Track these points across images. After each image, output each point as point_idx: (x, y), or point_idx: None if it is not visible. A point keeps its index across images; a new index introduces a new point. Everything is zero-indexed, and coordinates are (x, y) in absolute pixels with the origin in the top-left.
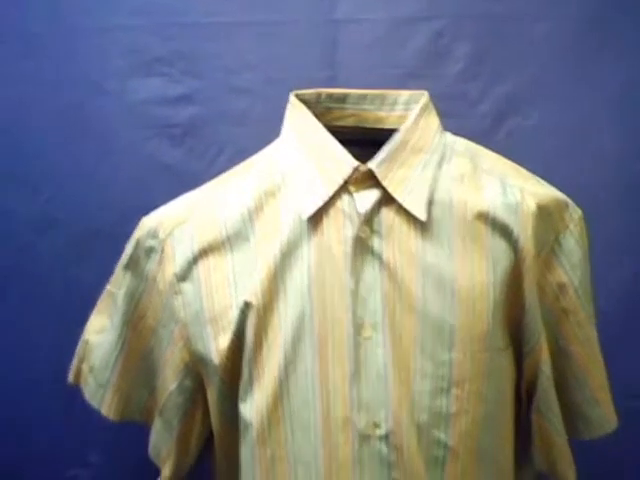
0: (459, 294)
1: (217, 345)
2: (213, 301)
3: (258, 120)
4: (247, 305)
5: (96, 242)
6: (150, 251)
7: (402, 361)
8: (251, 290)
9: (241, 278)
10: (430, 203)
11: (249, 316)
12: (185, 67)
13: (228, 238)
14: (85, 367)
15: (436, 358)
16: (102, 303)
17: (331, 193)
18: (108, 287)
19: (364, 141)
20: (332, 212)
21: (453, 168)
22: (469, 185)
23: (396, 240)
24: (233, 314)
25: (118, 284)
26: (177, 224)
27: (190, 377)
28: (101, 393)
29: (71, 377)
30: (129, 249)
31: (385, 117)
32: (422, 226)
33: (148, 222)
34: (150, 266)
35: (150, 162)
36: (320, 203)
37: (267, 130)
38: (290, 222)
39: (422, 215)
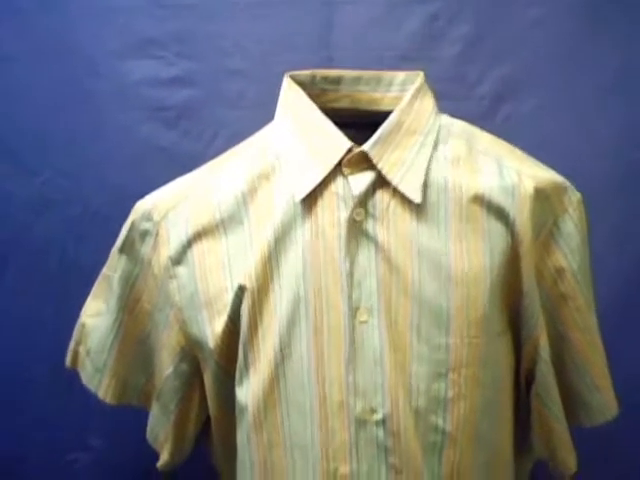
0: (455, 278)
1: (212, 328)
2: (208, 284)
3: (253, 102)
4: (241, 288)
5: (92, 224)
6: (145, 234)
7: (398, 346)
8: (245, 273)
9: (235, 261)
10: (425, 185)
11: (244, 299)
12: (180, 49)
13: (222, 221)
14: (82, 350)
15: (432, 342)
16: (98, 286)
17: (324, 175)
18: (104, 270)
19: (360, 124)
20: (326, 194)
21: (449, 150)
22: (465, 167)
23: (391, 223)
24: (228, 297)
25: (113, 267)
26: (171, 207)
27: (186, 361)
28: (98, 377)
29: (68, 360)
30: (124, 232)
31: (380, 98)
32: (417, 209)
33: (143, 205)
34: (145, 249)
35: (145, 144)
36: (313, 185)
37: (262, 112)
38: (284, 204)
39: (417, 197)
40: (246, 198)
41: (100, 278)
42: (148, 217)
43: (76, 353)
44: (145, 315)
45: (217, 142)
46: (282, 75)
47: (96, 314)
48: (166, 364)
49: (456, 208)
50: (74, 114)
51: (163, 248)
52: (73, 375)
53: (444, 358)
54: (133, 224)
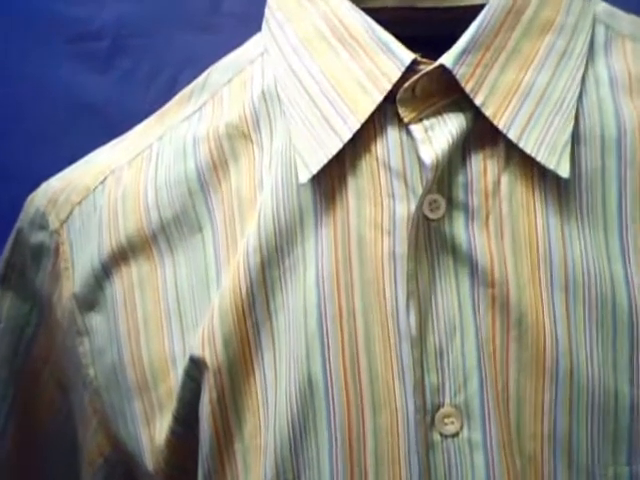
0: None
1: (150, 436)
2: (140, 349)
3: (236, 19)
4: (197, 364)
5: None
6: (39, 252)
7: None
8: (206, 333)
9: (188, 305)
10: (576, 139)
11: (204, 386)
12: None
13: (163, 227)
14: None
15: (602, 474)
16: None
17: (360, 122)
18: None
19: (420, 40)
20: (364, 164)
21: (617, 65)
22: None
23: (505, 221)
24: (175, 378)
25: None
26: (78, 201)
27: None
28: None
29: None
30: (7, 250)
31: None
32: (560, 189)
33: (36, 200)
34: (42, 278)
35: (62, 99)
36: (336, 147)
37: (248, 36)
38: (278, 189)
39: (561, 166)
40: (205, 180)
41: None
42: (41, 222)
43: None
44: (56, 390)
45: (175, 90)
46: None
47: None
48: None
49: None
50: None
51: (66, 278)
52: None
53: None
54: (21, 234)
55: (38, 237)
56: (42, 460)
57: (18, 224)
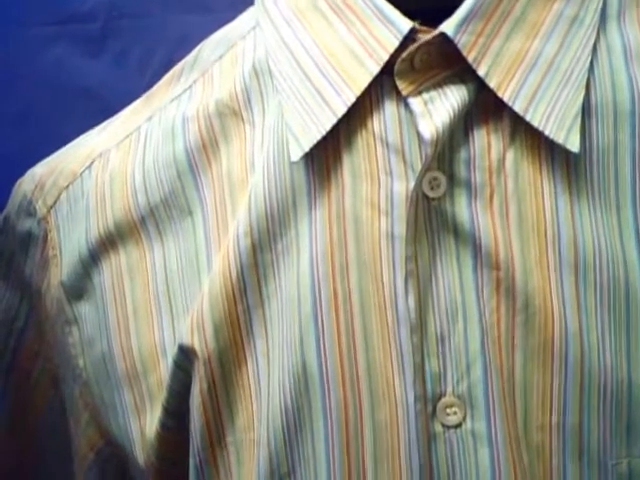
0: None
1: (140, 428)
2: (130, 338)
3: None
4: (187, 354)
5: None
6: (27, 240)
7: (536, 476)
8: (195, 321)
9: (179, 291)
10: (586, 112)
11: (194, 377)
12: None
13: (151, 211)
14: None
15: (614, 466)
16: None
17: (354, 98)
18: None
19: (421, 13)
20: (359, 140)
21: (631, 34)
22: None
23: (511, 200)
24: (165, 367)
25: None
26: (65, 186)
27: (110, 477)
28: None
29: None
30: None
31: None
32: (569, 166)
33: (23, 186)
34: (31, 267)
35: (55, 82)
36: (330, 122)
37: (242, 13)
38: (269, 168)
39: (570, 140)
40: (195, 161)
41: None
42: (28, 208)
43: None
44: (49, 383)
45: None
46: None
47: None
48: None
49: None
50: None
51: (54, 266)
52: None
53: None
54: (8, 222)
55: (26, 224)
56: (36, 453)
57: (5, 211)
